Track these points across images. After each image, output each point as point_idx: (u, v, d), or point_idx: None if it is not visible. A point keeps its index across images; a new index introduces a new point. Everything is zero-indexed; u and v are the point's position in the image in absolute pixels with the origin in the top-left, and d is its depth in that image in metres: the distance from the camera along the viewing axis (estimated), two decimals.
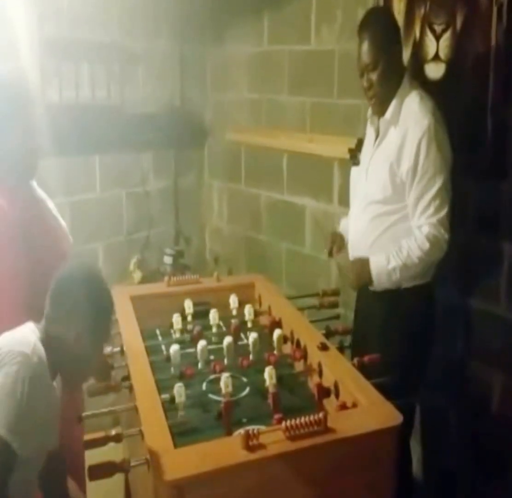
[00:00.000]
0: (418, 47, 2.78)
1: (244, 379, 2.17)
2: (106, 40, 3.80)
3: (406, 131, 2.37)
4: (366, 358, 2.10)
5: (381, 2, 2.95)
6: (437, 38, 2.69)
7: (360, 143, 2.85)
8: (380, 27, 2.44)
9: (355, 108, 3.13)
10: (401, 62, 2.51)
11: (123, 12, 3.83)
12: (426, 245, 2.33)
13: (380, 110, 2.46)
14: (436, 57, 2.71)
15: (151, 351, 2.30)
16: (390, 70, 2.41)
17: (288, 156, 3.69)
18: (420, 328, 2.45)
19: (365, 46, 2.41)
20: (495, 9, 2.43)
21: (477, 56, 2.53)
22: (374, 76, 2.41)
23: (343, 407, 1.84)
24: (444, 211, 2.33)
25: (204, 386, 2.14)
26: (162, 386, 2.00)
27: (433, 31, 2.71)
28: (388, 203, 2.43)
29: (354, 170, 2.70)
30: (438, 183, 2.32)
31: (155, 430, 1.71)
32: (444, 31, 2.66)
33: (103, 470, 1.64)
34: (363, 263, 2.45)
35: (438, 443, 2.86)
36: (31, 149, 2.12)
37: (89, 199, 3.85)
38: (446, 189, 2.34)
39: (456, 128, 2.62)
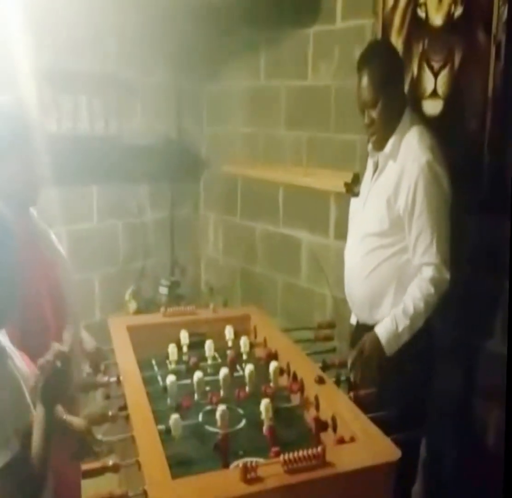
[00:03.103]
0: (416, 83, 2.81)
1: (241, 411, 2.15)
2: (104, 72, 3.84)
3: (404, 167, 2.38)
4: (362, 392, 2.09)
5: (379, 38, 3.00)
6: (435, 74, 2.73)
7: (356, 177, 2.87)
8: (380, 62, 2.41)
9: (351, 143, 3.16)
10: (402, 97, 2.50)
11: (121, 44, 3.87)
12: (431, 290, 2.32)
13: (380, 146, 2.47)
14: (434, 93, 2.74)
15: (147, 381, 2.28)
16: (391, 107, 2.40)
17: (284, 189, 3.71)
18: (417, 360, 2.43)
19: (365, 82, 2.40)
20: (493, 47, 2.46)
21: (474, 93, 2.55)
22: (374, 113, 2.41)
23: (341, 441, 1.82)
24: (445, 250, 2.34)
25: (200, 417, 2.12)
26: (159, 417, 1.98)
27: (431, 67, 2.75)
28: (384, 237, 2.44)
29: (353, 202, 2.71)
30: (437, 221, 2.32)
31: (153, 460, 1.70)
32: (442, 68, 2.70)
33: None
34: (371, 339, 2.38)
35: (434, 479, 2.84)
36: (29, 180, 2.11)
37: (86, 229, 3.87)
38: (446, 227, 2.34)
39: (454, 165, 2.66)
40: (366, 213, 2.54)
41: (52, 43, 3.47)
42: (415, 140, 2.38)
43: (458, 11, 2.62)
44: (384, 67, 2.41)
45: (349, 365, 2.36)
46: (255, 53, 3.86)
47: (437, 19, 2.71)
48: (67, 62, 3.58)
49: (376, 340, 2.36)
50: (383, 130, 2.43)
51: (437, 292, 2.34)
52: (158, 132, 4.17)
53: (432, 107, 2.76)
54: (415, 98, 2.81)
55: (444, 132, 2.68)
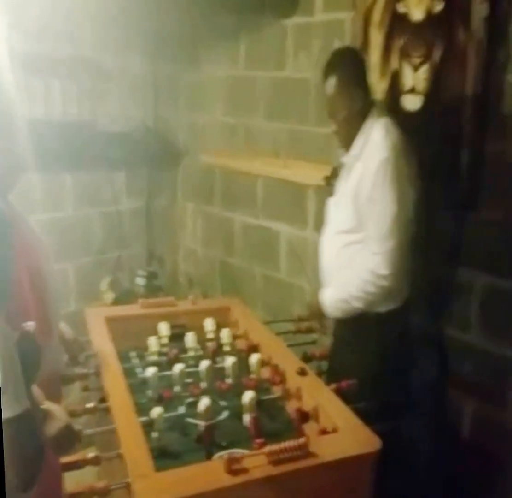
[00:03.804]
0: (395, 79, 2.84)
1: (222, 403, 2.16)
2: (78, 56, 3.77)
3: (367, 163, 2.42)
4: (344, 383, 2.12)
5: (360, 33, 3.01)
6: (415, 70, 2.75)
7: (335, 171, 2.88)
8: (341, 72, 2.46)
9: (330, 136, 3.15)
10: (366, 99, 2.51)
11: (96, 27, 3.79)
12: (369, 280, 2.39)
13: (348, 148, 2.52)
14: (413, 89, 2.76)
15: (126, 373, 2.27)
16: (354, 113, 2.46)
17: (262, 181, 3.71)
18: (392, 351, 2.48)
19: (328, 91, 2.47)
20: (472, 43, 2.47)
21: (453, 89, 2.57)
22: (339, 118, 2.48)
23: (324, 432, 1.84)
24: (392, 244, 2.35)
25: (181, 409, 2.13)
26: (140, 409, 1.98)
27: (410, 63, 2.76)
28: (353, 233, 2.49)
29: (329, 200, 2.76)
30: (390, 215, 2.34)
31: (136, 453, 1.70)
32: (421, 63, 2.72)
33: (83, 496, 1.61)
34: (317, 300, 2.60)
35: (408, 469, 2.88)
36: (8, 165, 2.08)
37: (59, 218, 3.82)
38: (399, 221, 2.36)
39: (431, 160, 2.70)
40: (337, 211, 2.60)
41: (24, 24, 3.41)
42: (378, 138, 2.41)
43: (438, 7, 2.63)
44: (346, 76, 2.46)
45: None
46: (234, 41, 3.83)
47: (417, 15, 2.72)
48: (38, 44, 3.50)
49: (320, 301, 2.58)
50: (349, 134, 2.48)
51: (374, 284, 2.39)
52: (134, 119, 4.11)
53: (411, 102, 2.78)
54: (395, 93, 2.84)
55: (423, 127, 2.72)
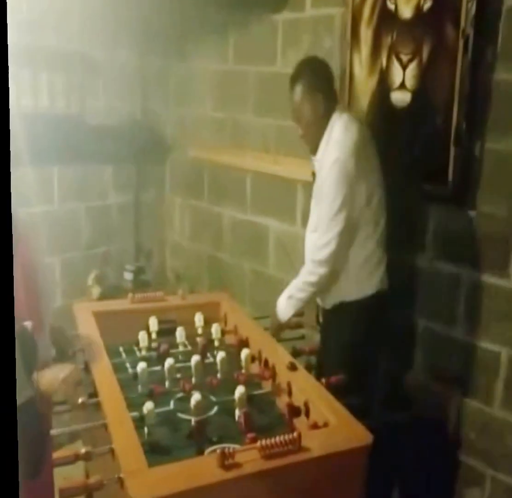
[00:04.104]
0: (385, 75, 2.85)
1: (212, 398, 2.17)
2: (66, 49, 3.74)
3: (324, 164, 2.52)
4: (333, 378, 2.14)
5: (348, 29, 3.01)
6: (404, 67, 2.76)
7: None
8: (304, 82, 2.57)
9: None
10: (330, 104, 2.59)
11: (85, 20, 3.77)
12: (307, 279, 2.57)
13: (314, 151, 2.61)
14: (402, 86, 2.78)
15: (115, 368, 2.26)
16: (318, 116, 2.56)
17: (252, 176, 3.71)
18: (362, 338, 2.56)
19: (294, 97, 2.59)
20: (461, 41, 2.49)
21: (442, 86, 2.60)
22: (304, 122, 2.60)
23: (315, 426, 1.86)
24: (330, 236, 2.47)
25: (172, 405, 2.13)
26: (130, 404, 1.98)
27: (399, 60, 2.78)
28: (315, 233, 2.60)
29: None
30: (332, 212, 2.44)
31: (128, 448, 1.70)
32: (410, 60, 2.74)
33: (76, 491, 1.61)
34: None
35: (391, 463, 2.90)
36: None
37: (46, 212, 3.79)
38: (339, 218, 2.45)
39: (420, 156, 2.72)
40: (311, 212, 2.72)
41: (11, 15, 3.38)
42: (335, 138, 2.51)
43: (427, 4, 2.65)
44: (309, 83, 2.57)
45: None
46: (224, 36, 3.82)
47: (406, 12, 2.74)
48: (27, 36, 3.45)
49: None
50: (315, 138, 2.58)
51: (312, 273, 2.55)
52: (123, 112, 4.10)
53: (400, 99, 2.80)
54: (384, 90, 2.85)
55: (411, 124, 2.74)
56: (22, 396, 1.37)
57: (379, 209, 2.55)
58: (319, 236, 2.52)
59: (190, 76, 4.19)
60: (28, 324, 1.63)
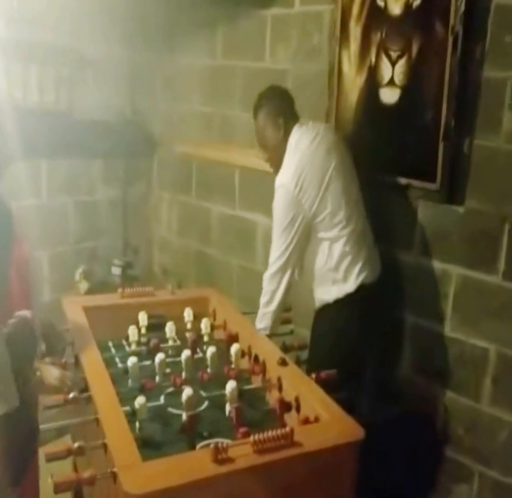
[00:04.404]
0: (374, 72, 2.86)
1: (203, 393, 2.17)
2: (56, 43, 3.72)
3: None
4: (323, 373, 2.15)
5: (337, 26, 3.02)
6: (393, 64, 2.77)
7: None
8: (266, 106, 2.71)
9: None
10: (290, 127, 2.67)
11: (75, 15, 3.75)
12: (263, 287, 2.71)
13: (277, 173, 2.69)
14: (391, 82, 2.79)
15: (105, 363, 2.25)
16: (279, 141, 2.67)
17: (240, 171, 3.71)
18: (350, 334, 2.60)
19: (257, 124, 2.74)
20: (450, 38, 2.51)
21: (431, 83, 2.61)
22: (268, 146, 2.74)
23: (306, 421, 1.87)
24: (274, 262, 2.65)
25: (162, 399, 2.14)
26: (121, 399, 1.97)
27: (388, 56, 2.79)
28: None
29: None
30: (280, 238, 2.61)
31: (121, 443, 1.70)
32: (399, 57, 2.75)
33: (70, 486, 1.62)
34: None
35: (377, 457, 2.93)
36: None
37: (34, 206, 3.77)
38: (284, 243, 2.61)
39: (409, 153, 2.74)
40: None
41: (2, 9, 3.36)
42: (285, 161, 2.63)
43: (417, 2, 2.66)
44: (269, 110, 2.70)
45: None
46: (212, 31, 3.81)
47: (395, 9, 2.75)
48: (17, 30, 3.46)
49: None
50: (279, 162, 2.67)
51: (265, 291, 2.69)
52: (111, 107, 4.08)
53: (389, 96, 2.81)
54: (373, 86, 2.86)
55: (400, 121, 2.75)
56: (6, 404, 1.37)
57: (350, 209, 2.60)
58: (270, 254, 2.68)
59: (178, 72, 4.17)
60: (27, 312, 1.63)
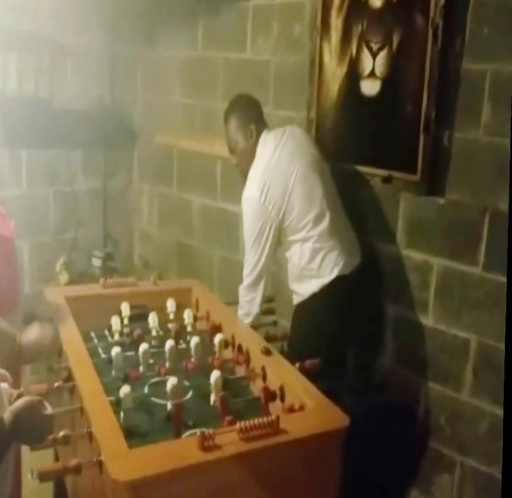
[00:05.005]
0: (355, 63, 2.87)
1: (186, 383, 2.18)
2: (36, 31, 3.69)
3: None
4: (307, 362, 2.17)
5: (318, 17, 3.03)
6: (374, 55, 2.78)
7: None
8: (235, 114, 2.77)
9: (289, 120, 3.18)
10: (259, 135, 2.72)
11: (56, 4, 3.71)
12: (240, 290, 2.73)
13: (245, 179, 2.75)
14: (372, 74, 2.80)
15: (89, 353, 2.26)
16: (249, 146, 2.72)
17: (222, 163, 3.70)
18: (331, 325, 2.62)
19: (228, 131, 2.79)
20: (430, 30, 2.53)
21: (412, 75, 2.63)
22: (237, 154, 2.80)
23: (291, 409, 1.88)
24: (256, 271, 2.65)
25: (146, 389, 2.15)
26: (105, 389, 1.98)
27: (369, 48, 2.80)
28: None
29: None
30: (251, 247, 2.65)
31: (108, 431, 1.71)
32: (380, 49, 2.76)
33: (55, 475, 1.62)
34: None
35: (360, 449, 2.96)
36: None
37: (14, 196, 3.73)
38: (259, 250, 2.63)
39: (389, 145, 2.76)
40: None
41: None
42: (252, 170, 2.68)
43: None
44: (238, 117, 2.76)
45: None
46: (193, 22, 3.79)
47: (376, 1, 2.76)
48: None
49: None
50: (245, 168, 2.73)
51: (241, 303, 2.70)
52: (91, 97, 4.05)
53: (370, 87, 2.82)
54: (354, 78, 2.88)
55: (381, 112, 2.77)
56: None
57: (319, 208, 2.62)
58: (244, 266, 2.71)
59: (159, 62, 4.14)
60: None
